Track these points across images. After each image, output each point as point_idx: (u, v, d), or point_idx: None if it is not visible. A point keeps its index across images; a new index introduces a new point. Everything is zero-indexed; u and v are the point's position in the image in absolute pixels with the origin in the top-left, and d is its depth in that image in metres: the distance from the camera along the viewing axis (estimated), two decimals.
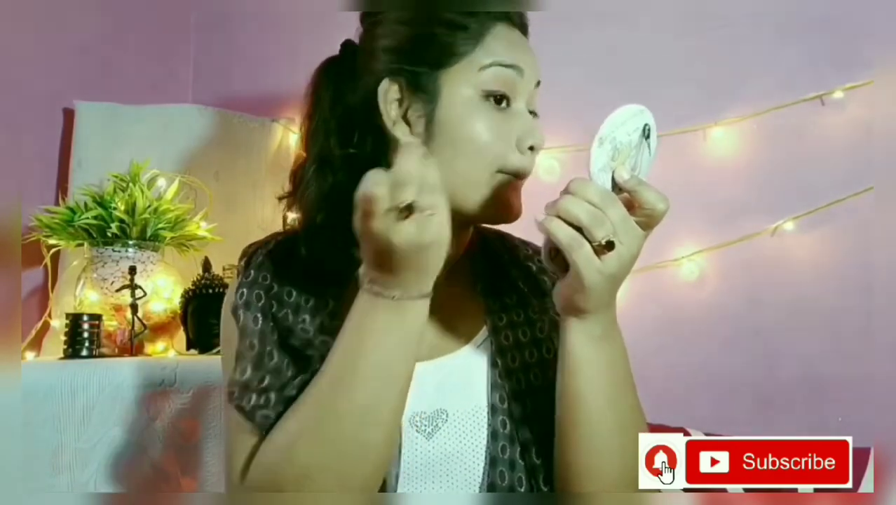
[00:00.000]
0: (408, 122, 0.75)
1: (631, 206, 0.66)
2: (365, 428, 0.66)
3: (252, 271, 0.78)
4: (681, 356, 1.44)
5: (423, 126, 0.74)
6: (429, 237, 0.60)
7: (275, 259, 0.80)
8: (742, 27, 1.44)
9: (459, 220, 0.74)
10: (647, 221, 0.66)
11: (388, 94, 0.75)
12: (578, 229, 0.63)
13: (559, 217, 0.64)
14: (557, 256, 0.67)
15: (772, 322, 1.39)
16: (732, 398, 1.39)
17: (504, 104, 0.75)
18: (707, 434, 1.22)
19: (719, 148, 1.44)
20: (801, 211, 1.38)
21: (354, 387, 0.66)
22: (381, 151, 0.76)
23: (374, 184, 0.58)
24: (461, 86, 0.74)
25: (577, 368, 0.70)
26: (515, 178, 0.75)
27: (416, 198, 0.59)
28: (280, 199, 0.81)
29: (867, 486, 1.06)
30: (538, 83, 0.78)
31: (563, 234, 0.64)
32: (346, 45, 0.82)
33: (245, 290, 0.77)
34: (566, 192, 0.65)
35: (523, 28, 0.80)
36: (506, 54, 0.75)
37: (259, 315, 0.75)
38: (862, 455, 1.13)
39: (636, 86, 1.48)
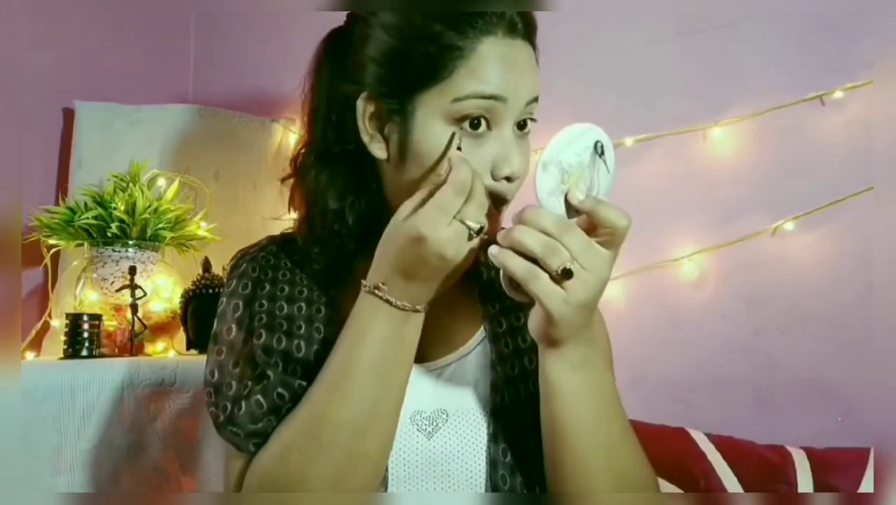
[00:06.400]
0: (385, 139, 0.73)
1: (593, 227, 0.64)
2: (360, 437, 0.66)
3: (234, 281, 0.79)
4: (681, 356, 1.43)
5: (397, 146, 0.72)
6: (461, 255, 0.63)
7: (262, 265, 0.79)
8: (742, 27, 1.44)
9: None
10: (611, 240, 0.64)
11: (365, 111, 0.73)
12: (535, 260, 0.61)
13: (513, 248, 0.62)
14: (520, 286, 0.63)
15: (772, 322, 1.39)
16: (732, 398, 1.39)
17: (482, 128, 0.69)
18: (707, 434, 1.23)
19: (719, 148, 1.44)
20: (801, 211, 1.38)
21: (351, 395, 0.66)
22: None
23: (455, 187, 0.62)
24: (435, 114, 0.69)
25: (557, 395, 0.68)
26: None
27: (478, 219, 0.63)
28: (283, 180, 0.81)
29: (867, 486, 1.06)
30: (535, 99, 0.72)
31: (518, 267, 0.62)
32: (353, 17, 0.78)
33: (224, 299, 0.78)
34: (519, 221, 0.63)
35: (526, 32, 0.72)
36: (487, 82, 0.68)
37: (234, 326, 0.76)
38: (862, 455, 1.13)
39: (635, 86, 1.48)
